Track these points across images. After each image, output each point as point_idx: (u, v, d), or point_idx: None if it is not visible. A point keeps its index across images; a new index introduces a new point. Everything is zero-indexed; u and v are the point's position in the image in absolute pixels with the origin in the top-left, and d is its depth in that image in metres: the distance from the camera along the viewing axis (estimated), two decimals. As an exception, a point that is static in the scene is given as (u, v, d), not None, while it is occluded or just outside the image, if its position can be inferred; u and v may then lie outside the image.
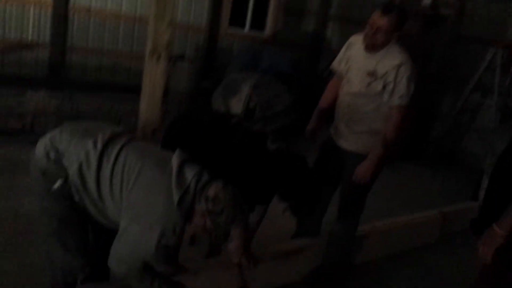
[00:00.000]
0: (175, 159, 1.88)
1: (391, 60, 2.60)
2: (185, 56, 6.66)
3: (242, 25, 7.58)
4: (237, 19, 7.48)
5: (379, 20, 2.55)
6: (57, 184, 1.85)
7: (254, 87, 5.08)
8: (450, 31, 6.27)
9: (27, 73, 5.69)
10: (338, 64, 2.88)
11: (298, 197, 2.50)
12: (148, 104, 3.61)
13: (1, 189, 3.42)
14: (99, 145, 1.86)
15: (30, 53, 5.74)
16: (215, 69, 6.86)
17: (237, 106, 5.01)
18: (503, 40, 5.63)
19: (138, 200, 1.81)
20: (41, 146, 1.89)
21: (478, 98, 5.85)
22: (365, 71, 2.66)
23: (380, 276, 3.30)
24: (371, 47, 2.63)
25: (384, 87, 2.61)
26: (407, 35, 4.44)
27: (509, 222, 1.80)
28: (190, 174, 1.85)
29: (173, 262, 2.40)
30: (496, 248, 1.84)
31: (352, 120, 2.77)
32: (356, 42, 2.76)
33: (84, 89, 5.43)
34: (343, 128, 2.83)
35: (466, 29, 6.18)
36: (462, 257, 3.69)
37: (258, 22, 7.74)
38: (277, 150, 2.53)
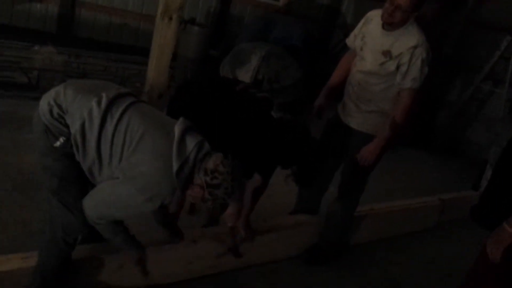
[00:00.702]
0: (178, 127, 1.87)
1: (407, 41, 2.54)
2: (196, 20, 6.54)
3: (256, -7, 7.42)
4: (251, -14, 7.31)
5: None
6: (59, 142, 1.84)
7: (264, 58, 5.04)
8: (467, 16, 6.12)
9: (35, 26, 5.61)
10: (353, 39, 2.82)
11: (300, 166, 2.48)
12: (156, 67, 3.55)
13: (5, 144, 3.42)
14: (103, 104, 1.83)
15: (39, 6, 5.64)
16: (225, 37, 6.75)
17: (245, 76, 4.98)
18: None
19: (139, 163, 1.81)
20: (45, 102, 1.87)
21: (488, 87, 5.76)
22: (380, 50, 2.60)
23: (373, 258, 3.32)
24: (389, 24, 2.57)
25: (397, 68, 2.56)
26: (425, 16, 4.33)
27: None
28: (191, 143, 1.85)
29: (169, 227, 2.43)
30: (505, 247, 1.82)
31: (361, 98, 2.73)
32: (374, 18, 2.69)
33: (92, 47, 5.36)
34: (351, 106, 2.80)
35: (484, 15, 6.02)
36: (457, 245, 3.73)
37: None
38: (281, 119, 2.49)
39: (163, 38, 3.52)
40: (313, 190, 3.16)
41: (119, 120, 1.83)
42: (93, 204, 1.89)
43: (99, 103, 1.83)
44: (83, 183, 1.96)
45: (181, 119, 1.94)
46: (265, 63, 5.18)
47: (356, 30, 2.82)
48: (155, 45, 3.56)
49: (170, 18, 3.47)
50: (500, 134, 4.05)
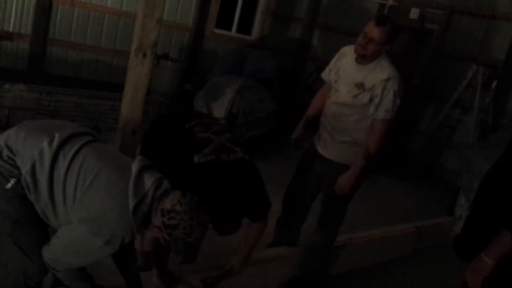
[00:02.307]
0: (135, 165, 1.82)
1: (379, 74, 2.62)
2: (169, 55, 6.61)
3: (229, 29, 7.57)
4: (224, 22, 7.47)
5: (372, 30, 2.56)
6: (9, 184, 1.77)
7: (238, 91, 5.13)
8: (434, 46, 6.37)
9: (6, 64, 5.56)
10: (328, 73, 2.90)
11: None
12: (130, 103, 3.52)
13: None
14: (55, 145, 1.78)
15: (10, 44, 5.61)
16: (199, 71, 6.82)
17: (219, 110, 5.05)
18: (485, 58, 5.74)
19: (92, 203, 1.74)
20: None
21: (457, 114, 5.95)
22: (354, 82, 2.67)
23: (353, 287, 3.30)
24: (362, 57, 2.65)
25: (370, 99, 2.63)
26: (394, 47, 4.49)
27: (498, 250, 1.76)
28: (149, 181, 1.79)
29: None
30: (485, 277, 1.80)
31: (336, 129, 2.78)
32: (347, 53, 2.78)
33: (64, 84, 5.33)
34: (326, 136, 2.84)
35: (450, 45, 6.29)
36: (434, 272, 3.74)
37: (245, 26, 7.75)
38: (202, 164, 2.20)
39: (137, 75, 3.51)
40: (291, 221, 3.16)
41: (72, 160, 1.78)
42: (50, 252, 1.81)
43: (50, 143, 1.78)
44: (40, 225, 1.88)
45: (139, 157, 1.89)
46: (239, 96, 5.25)
47: (330, 65, 2.91)
48: (129, 82, 3.55)
49: (144, 55, 3.48)
50: (471, 161, 4.13)
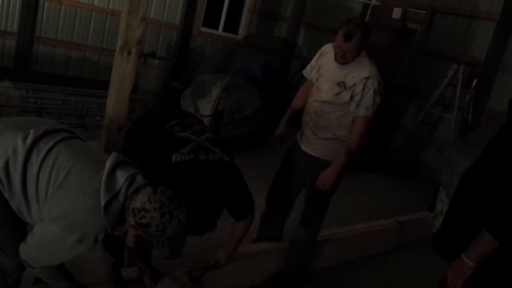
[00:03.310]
0: (109, 161, 1.79)
1: (359, 73, 2.69)
2: (156, 53, 6.62)
3: (216, 27, 7.60)
4: (211, 21, 7.50)
5: (342, 45, 2.64)
6: None
7: (224, 89, 5.18)
8: (417, 46, 6.48)
9: (-8, 61, 5.54)
10: (309, 71, 2.96)
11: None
12: (115, 100, 3.53)
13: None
14: (29, 141, 1.76)
15: (-4, 41, 5.59)
16: (186, 69, 6.85)
17: (206, 107, 5.09)
18: (465, 56, 5.86)
19: (63, 200, 1.72)
20: None
21: (438, 112, 6.06)
22: (335, 81, 2.74)
23: (337, 281, 3.37)
24: (342, 62, 2.72)
25: (351, 97, 2.70)
26: (377, 47, 4.57)
27: (478, 252, 1.78)
28: (122, 177, 1.76)
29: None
30: (465, 278, 1.82)
31: (318, 126, 2.84)
32: (328, 51, 2.84)
33: (51, 82, 5.33)
34: (308, 133, 2.91)
35: (431, 44, 6.40)
36: (416, 265, 3.83)
37: (232, 25, 7.79)
38: (180, 163, 2.22)
39: (122, 72, 3.54)
40: (275, 216, 3.23)
41: (45, 156, 1.75)
42: (26, 250, 1.80)
43: (24, 139, 1.76)
44: (16, 222, 1.86)
45: (113, 153, 1.86)
46: (225, 94, 5.30)
47: (312, 62, 2.96)
48: (114, 79, 3.57)
49: (129, 52, 3.50)
50: (451, 157, 4.23)
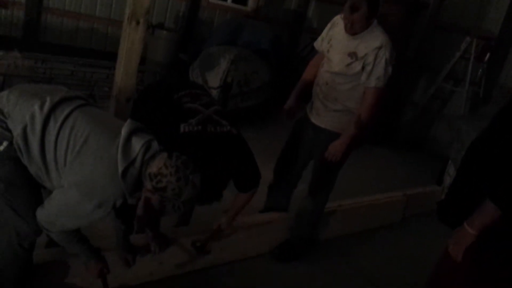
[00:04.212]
0: (125, 128, 1.81)
1: (371, 42, 2.65)
2: (164, 25, 6.56)
3: (225, -2, 7.50)
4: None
5: (350, 17, 2.61)
6: (2, 146, 1.79)
7: (233, 62, 5.13)
8: (429, 19, 6.35)
9: (1, 32, 5.53)
10: (320, 42, 2.92)
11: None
12: (124, 71, 3.53)
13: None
14: (46, 108, 1.77)
15: (5, 11, 5.56)
16: (194, 41, 6.79)
17: (214, 80, 5.06)
18: (479, 30, 5.75)
19: (82, 167, 1.75)
20: None
21: (449, 86, 5.99)
22: (346, 52, 2.70)
23: (343, 252, 3.41)
24: (352, 33, 2.68)
25: (363, 68, 2.67)
26: (389, 20, 4.48)
27: (480, 221, 1.77)
28: (138, 144, 1.79)
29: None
30: (467, 247, 1.82)
31: (328, 97, 2.82)
32: (339, 22, 2.79)
33: (59, 52, 5.31)
34: (318, 105, 2.89)
35: (444, 17, 6.27)
36: (422, 238, 3.85)
37: (242, -4, 7.67)
38: (188, 133, 2.24)
39: (130, 42, 3.52)
40: (282, 188, 3.24)
41: (62, 123, 1.78)
42: (44, 214, 1.84)
43: (41, 106, 1.78)
44: (33, 187, 1.90)
45: (128, 120, 1.88)
46: (234, 66, 5.26)
47: (323, 34, 2.92)
48: (122, 49, 3.56)
49: (138, 22, 3.47)
50: (461, 131, 4.19)
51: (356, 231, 3.68)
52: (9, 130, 1.78)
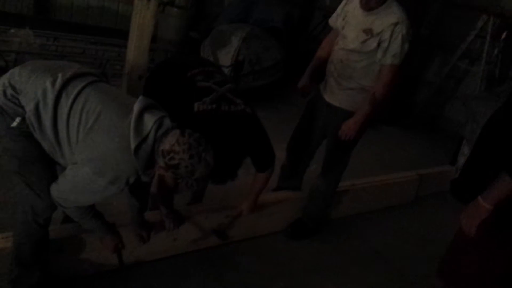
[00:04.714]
0: (137, 105, 1.80)
1: (388, 19, 2.58)
2: (175, 2, 6.48)
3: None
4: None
5: None
6: (15, 122, 1.78)
7: (244, 40, 5.08)
8: (445, -4, 6.21)
9: (12, 9, 5.51)
10: (335, 19, 2.86)
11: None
12: (136, 48, 3.53)
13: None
14: (58, 84, 1.77)
15: (16, -11, 5.54)
16: (205, 18, 6.72)
17: (225, 58, 5.02)
18: (496, 8, 5.60)
19: (94, 144, 1.75)
20: (0, 84, 1.82)
21: (465, 65, 5.88)
22: (361, 28, 2.65)
23: (355, 231, 3.41)
24: (367, 8, 2.62)
25: (378, 45, 2.61)
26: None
27: (495, 195, 1.76)
28: (150, 121, 1.78)
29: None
30: (480, 221, 1.82)
31: (342, 75, 2.78)
32: None
33: (70, 30, 5.29)
34: (332, 83, 2.84)
35: (460, -5, 6.13)
36: (435, 217, 3.83)
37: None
38: (202, 112, 2.22)
39: (142, 19, 3.51)
40: (295, 167, 3.23)
41: (74, 99, 1.77)
42: (58, 190, 1.85)
43: (53, 83, 1.77)
44: (47, 163, 1.91)
45: (140, 97, 1.86)
46: (245, 44, 5.21)
47: (338, 10, 2.86)
48: (134, 26, 3.55)
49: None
50: (476, 111, 4.13)
51: (369, 210, 3.67)
52: (22, 106, 1.78)
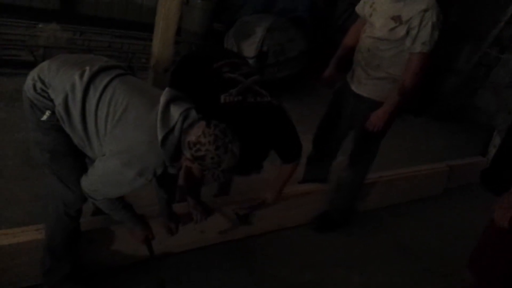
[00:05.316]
0: (163, 97, 1.81)
1: (417, 5, 2.52)
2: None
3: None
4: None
5: None
6: (45, 116, 1.82)
7: (268, 30, 5.04)
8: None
9: (39, 5, 5.58)
10: (362, 7, 2.81)
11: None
12: (161, 40, 3.54)
13: (15, 121, 3.46)
14: (86, 77, 1.79)
15: (42, -16, 5.60)
16: (229, 9, 6.68)
17: (249, 49, 5.00)
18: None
19: (122, 136, 1.77)
20: (29, 78, 1.84)
21: (495, 53, 5.70)
22: (390, 15, 2.59)
23: (382, 224, 3.38)
24: None
25: (407, 32, 2.55)
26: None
27: None
28: (176, 113, 1.79)
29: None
30: None
31: (370, 65, 2.72)
32: None
33: (96, 24, 5.34)
34: (360, 72, 2.79)
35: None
36: (465, 210, 3.75)
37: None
38: (227, 103, 2.21)
39: (167, 11, 3.51)
40: (322, 159, 3.20)
41: (102, 92, 1.79)
42: (88, 182, 1.87)
43: (81, 76, 1.79)
44: (77, 156, 1.93)
45: (167, 89, 1.87)
46: (269, 35, 5.16)
47: None
48: (159, 18, 3.56)
49: (173, -10, 3.45)
50: (507, 100, 4.02)
51: (396, 203, 3.62)
52: (51, 100, 1.81)
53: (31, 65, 4.36)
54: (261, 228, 2.88)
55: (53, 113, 1.82)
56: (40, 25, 4.59)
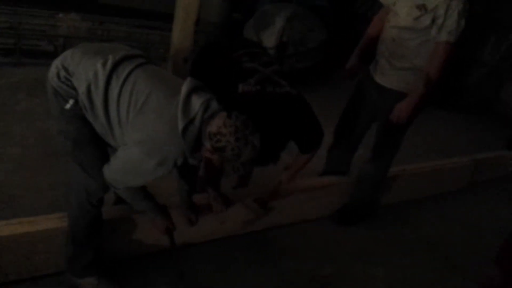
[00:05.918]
0: (184, 86, 1.79)
1: None
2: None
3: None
4: None
5: None
6: (68, 104, 1.82)
7: (288, 20, 4.97)
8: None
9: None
10: None
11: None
12: (181, 30, 3.52)
13: (37, 110, 3.48)
14: (109, 66, 1.78)
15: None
16: (247, 0, 6.63)
17: (269, 39, 4.95)
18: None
19: (144, 125, 1.76)
20: (53, 66, 1.84)
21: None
22: (414, 4, 2.51)
23: (404, 218, 3.31)
24: None
25: (433, 21, 2.47)
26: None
27: None
28: (197, 102, 1.77)
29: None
30: None
31: (394, 55, 2.65)
32: None
33: (114, 14, 5.35)
34: (384, 63, 2.72)
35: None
36: (490, 205, 3.66)
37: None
38: (245, 93, 2.20)
39: (187, 1, 3.48)
40: (343, 151, 3.14)
41: (124, 81, 1.78)
42: (110, 171, 1.87)
43: (104, 64, 1.78)
44: (99, 144, 1.93)
45: (188, 78, 1.84)
46: (289, 25, 5.10)
47: None
48: (179, 9, 3.53)
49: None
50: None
51: (419, 197, 3.55)
52: (75, 88, 1.81)
53: (52, 55, 4.41)
54: (281, 220, 2.85)
55: (76, 101, 1.82)
56: (60, 15, 4.61)
